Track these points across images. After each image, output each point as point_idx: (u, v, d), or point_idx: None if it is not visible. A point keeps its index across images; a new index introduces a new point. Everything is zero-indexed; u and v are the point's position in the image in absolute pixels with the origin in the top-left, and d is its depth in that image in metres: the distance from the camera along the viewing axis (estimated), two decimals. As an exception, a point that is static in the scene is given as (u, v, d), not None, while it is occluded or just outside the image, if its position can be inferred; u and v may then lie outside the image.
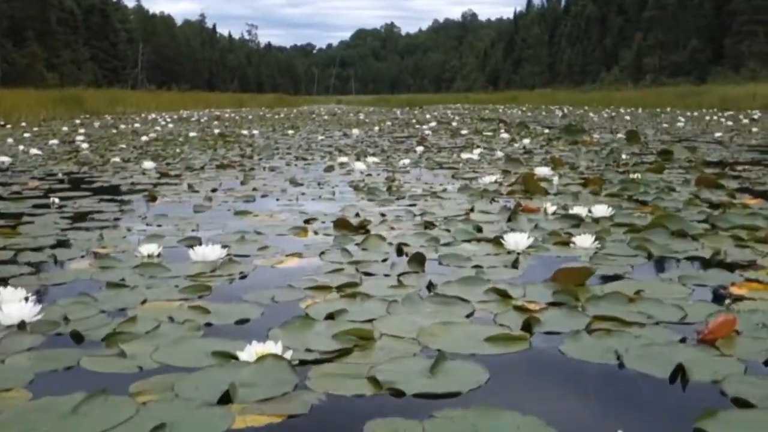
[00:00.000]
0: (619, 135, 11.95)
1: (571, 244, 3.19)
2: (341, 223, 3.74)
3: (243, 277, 2.78)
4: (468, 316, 2.22)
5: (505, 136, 11.75)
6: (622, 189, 5.07)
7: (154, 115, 25.59)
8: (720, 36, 61.91)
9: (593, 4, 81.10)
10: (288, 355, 1.81)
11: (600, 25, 78.18)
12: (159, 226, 3.91)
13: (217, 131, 14.32)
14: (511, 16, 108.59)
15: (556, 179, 5.54)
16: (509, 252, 3.10)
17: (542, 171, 6.10)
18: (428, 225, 3.76)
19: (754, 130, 13.65)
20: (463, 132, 13.31)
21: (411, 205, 4.51)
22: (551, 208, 4.12)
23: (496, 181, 5.59)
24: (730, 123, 16.96)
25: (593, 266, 2.76)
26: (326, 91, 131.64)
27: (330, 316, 2.19)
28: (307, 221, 3.96)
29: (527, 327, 2.07)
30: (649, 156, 8.02)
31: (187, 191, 5.33)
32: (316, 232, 3.65)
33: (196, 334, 2.08)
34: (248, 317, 2.24)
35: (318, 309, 2.29)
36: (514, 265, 2.87)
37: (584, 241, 3.16)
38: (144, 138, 11.95)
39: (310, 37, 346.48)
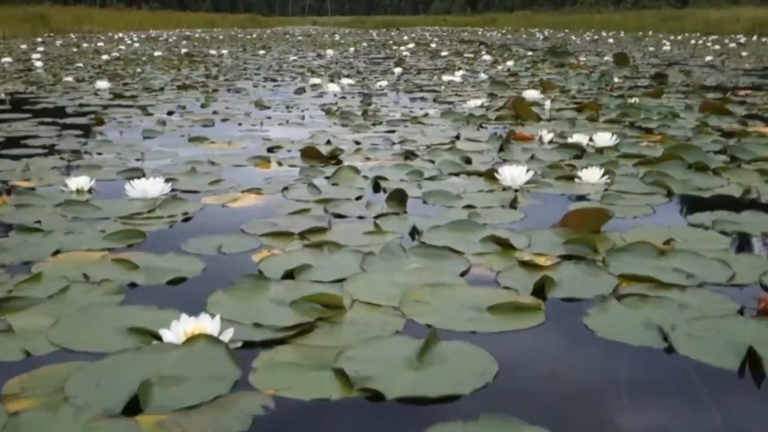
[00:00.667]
0: (606, 58, 11.41)
1: (576, 179, 2.74)
2: (309, 153, 3.25)
3: (186, 219, 2.30)
4: (463, 275, 1.77)
5: (488, 58, 11.19)
6: (621, 115, 4.60)
7: (121, 35, 24.58)
8: (703, -43, 60.78)
9: None
10: (227, 336, 1.35)
11: (582, -56, 76.51)
12: (99, 154, 3.41)
13: (184, 51, 13.60)
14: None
15: (548, 103, 5.06)
16: (505, 188, 2.64)
17: (531, 94, 5.61)
18: (409, 155, 3.28)
19: (744, 54, 13.15)
20: (443, 54, 12.71)
21: (389, 132, 4.02)
22: (548, 136, 3.65)
23: (482, 105, 5.10)
24: (717, 47, 16.43)
25: (608, 207, 2.31)
26: (302, 12, 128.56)
27: (289, 275, 1.73)
28: (270, 150, 3.47)
29: (539, 291, 1.62)
30: (642, 80, 7.53)
31: (140, 114, 4.79)
32: (279, 163, 3.16)
33: (114, 300, 1.61)
34: (185, 275, 1.77)
35: (275, 264, 1.83)
36: (513, 205, 2.40)
37: (592, 175, 2.70)
38: (105, 57, 11.27)
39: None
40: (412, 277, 1.73)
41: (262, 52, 13.45)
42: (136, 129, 4.15)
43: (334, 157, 3.22)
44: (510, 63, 9.88)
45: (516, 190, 2.61)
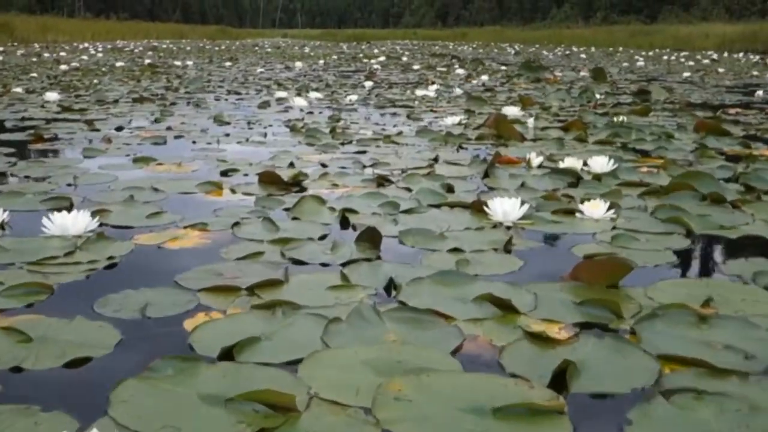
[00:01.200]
0: (583, 73, 11.13)
1: (578, 214, 2.35)
2: (268, 178, 2.85)
3: (111, 265, 1.87)
4: (455, 352, 1.36)
5: (461, 72, 10.85)
6: (611, 135, 4.24)
7: (87, 45, 23.98)
8: (671, -25, 61.34)
9: (545, -61, 79.76)
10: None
11: (551, -40, 76.98)
12: (27, 177, 2.96)
13: (147, 61, 13.12)
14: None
15: (531, 122, 4.69)
16: (496, 225, 2.25)
17: (511, 111, 5.25)
18: (382, 181, 2.88)
19: (721, 70, 12.95)
20: (415, 67, 12.37)
21: (359, 153, 3.62)
22: (536, 160, 3.27)
23: (460, 123, 4.72)
24: (691, 63, 16.26)
25: (618, 251, 1.93)
26: (272, 25, 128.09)
27: (228, 353, 1.32)
28: (224, 173, 3.06)
29: (559, 380, 1.22)
30: (624, 96, 7.22)
31: (86, 129, 4.35)
32: (233, 190, 2.74)
33: (-16, 397, 1.19)
34: (91, 353, 1.35)
35: (212, 334, 1.41)
36: (507, 248, 2.01)
37: (595, 209, 2.32)
38: (63, 67, 10.77)
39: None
40: (390, 354, 1.33)
41: (228, 63, 13.02)
42: (77, 146, 3.71)
43: (296, 183, 2.81)
44: (485, 77, 9.54)
45: (509, 227, 2.22)
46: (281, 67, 12.29)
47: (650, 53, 24.82)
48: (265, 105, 5.82)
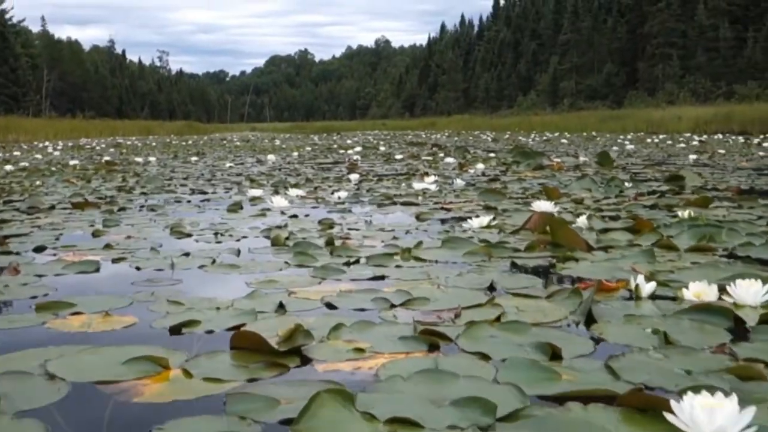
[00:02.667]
0: (583, 158, 10.23)
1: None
2: (247, 341, 1.72)
3: None
4: None
5: (451, 160, 9.88)
6: (697, 236, 3.18)
7: (47, 143, 22.90)
8: (634, 59, 62.27)
9: (507, 29, 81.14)
10: None
11: (514, 50, 78.22)
12: None
13: (106, 158, 12.03)
14: (425, 42, 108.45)
15: (582, 221, 3.62)
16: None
17: (543, 206, 4.20)
18: (432, 339, 1.77)
19: (721, 151, 12.16)
20: (398, 157, 11.41)
21: (376, 279, 2.52)
22: (647, 286, 2.19)
23: (490, 225, 3.65)
24: (682, 145, 15.56)
25: None
26: (240, 119, 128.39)
27: None
28: (175, 331, 1.92)
29: None
30: (652, 182, 6.24)
31: (-7, 252, 3.20)
32: (186, 372, 1.60)
33: None
34: None
35: None
36: None
37: None
38: (8, 167, 9.63)
39: (222, 64, 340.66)
40: None
41: (194, 158, 11.98)
42: (-34, 282, 2.57)
43: (293, 351, 1.69)
44: (480, 165, 8.57)
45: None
46: (252, 161, 11.26)
47: (629, 136, 24.27)
48: (236, 207, 4.71)
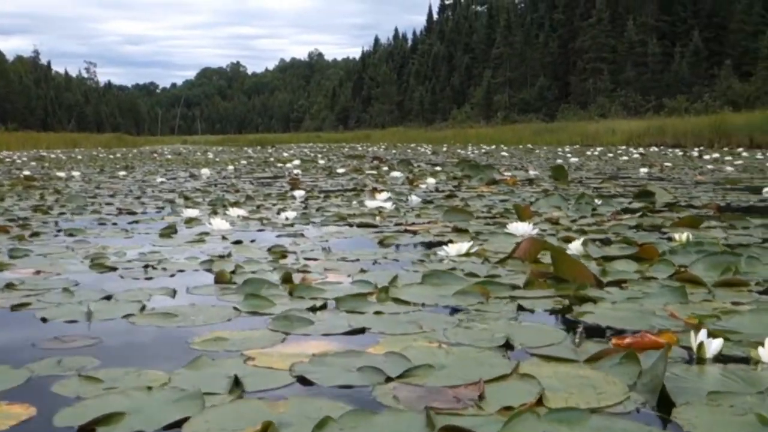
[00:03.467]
0: (533, 172, 9.84)
1: None
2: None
3: None
4: None
5: (397, 174, 9.38)
6: (717, 267, 2.72)
7: (-37, 157, 21.69)
8: (566, 73, 63.07)
9: (440, 43, 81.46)
10: None
11: (447, 63, 78.57)
12: None
13: (26, 173, 11.19)
14: (358, 55, 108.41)
15: (576, 246, 3.12)
16: None
17: (521, 228, 3.72)
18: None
19: (668, 164, 11.95)
20: (340, 171, 10.86)
21: (353, 332, 1.97)
22: (713, 345, 1.70)
23: (470, 252, 3.14)
24: (624, 158, 15.37)
25: None
26: (171, 132, 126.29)
27: None
28: (85, 431, 1.35)
29: None
30: (620, 199, 5.83)
31: None
32: None
33: None
34: None
35: None
36: None
37: None
38: None
39: (153, 75, 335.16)
40: None
41: (122, 173, 11.23)
42: None
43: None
44: (431, 180, 8.08)
45: None
46: (185, 176, 10.58)
47: (567, 149, 24.19)
48: (170, 231, 4.10)
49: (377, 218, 4.55)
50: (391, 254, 3.29)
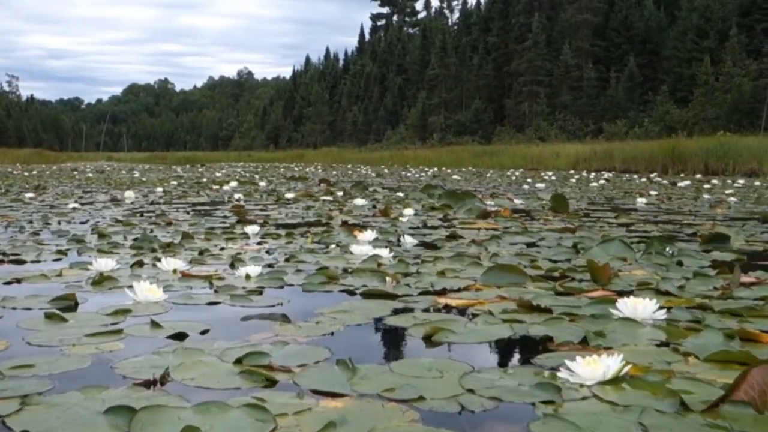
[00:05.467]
0: (518, 201, 8.48)
1: None
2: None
3: None
4: None
5: (361, 202, 7.88)
6: None
7: None
8: (501, 96, 62.78)
9: (372, 64, 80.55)
10: None
11: (380, 84, 77.74)
12: None
13: None
14: (289, 74, 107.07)
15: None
16: None
17: (640, 311, 2.30)
18: None
19: (653, 192, 10.74)
20: (289, 196, 9.31)
21: None
22: None
23: (621, 378, 1.67)
24: (594, 184, 14.20)
25: None
26: (96, 148, 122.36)
27: None
28: None
29: None
30: (680, 243, 4.46)
31: None
32: None
33: None
34: None
35: None
36: None
37: None
38: None
39: (77, 91, 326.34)
40: None
41: (29, 195, 9.46)
42: None
43: None
44: (408, 211, 6.62)
45: None
46: (105, 199, 8.89)
47: (517, 173, 23.08)
48: (66, 304, 2.54)
49: (388, 280, 3.04)
50: (421, 346, 1.82)
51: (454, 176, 19.08)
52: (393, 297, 2.75)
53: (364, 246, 3.99)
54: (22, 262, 3.67)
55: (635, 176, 19.61)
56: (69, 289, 2.86)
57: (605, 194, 10.65)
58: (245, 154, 65.93)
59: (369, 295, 2.79)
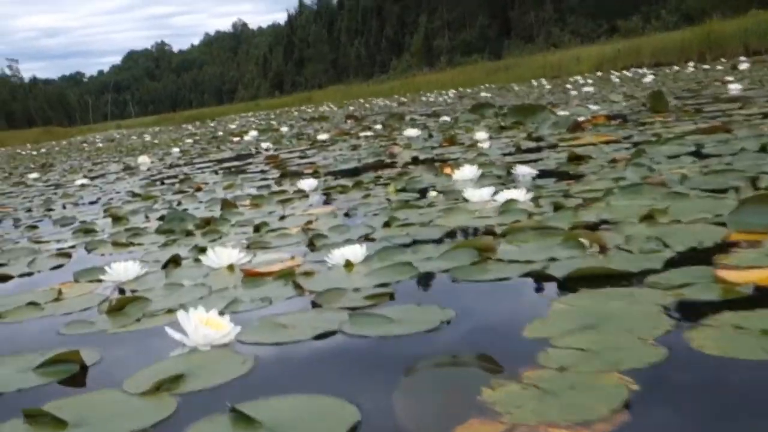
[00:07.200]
0: (594, 106, 7.22)
1: None
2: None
3: None
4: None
5: (414, 133, 6.64)
6: None
7: None
8: (505, 9, 60.61)
9: (367, -5, 78.34)
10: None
11: (377, 15, 75.61)
12: None
13: None
14: (284, 20, 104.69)
15: None
16: None
17: None
18: None
19: (728, 78, 9.43)
20: (322, 138, 8.09)
21: None
22: None
23: None
24: (647, 79, 12.83)
25: None
26: (104, 119, 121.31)
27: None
28: None
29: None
30: None
31: None
32: None
33: None
34: None
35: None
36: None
37: None
38: None
39: (77, 65, 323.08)
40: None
41: (33, 176, 8.31)
42: None
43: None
44: (482, 134, 5.39)
45: None
46: (117, 169, 7.74)
47: (544, 81, 21.65)
48: (67, 384, 1.40)
49: (585, 243, 1.84)
50: None
51: (482, 93, 17.72)
52: (627, 278, 1.57)
53: (479, 189, 2.80)
54: (5, 278, 2.52)
55: (674, 68, 18.16)
56: (70, 333, 1.72)
57: (673, 88, 9.35)
58: (252, 104, 64.62)
59: (581, 280, 1.61)
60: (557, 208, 2.38)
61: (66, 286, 2.21)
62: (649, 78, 13.03)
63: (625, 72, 20.00)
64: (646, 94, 7.25)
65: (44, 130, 55.51)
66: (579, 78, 20.13)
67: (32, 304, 2.02)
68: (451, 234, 2.27)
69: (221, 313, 1.56)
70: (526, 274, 1.73)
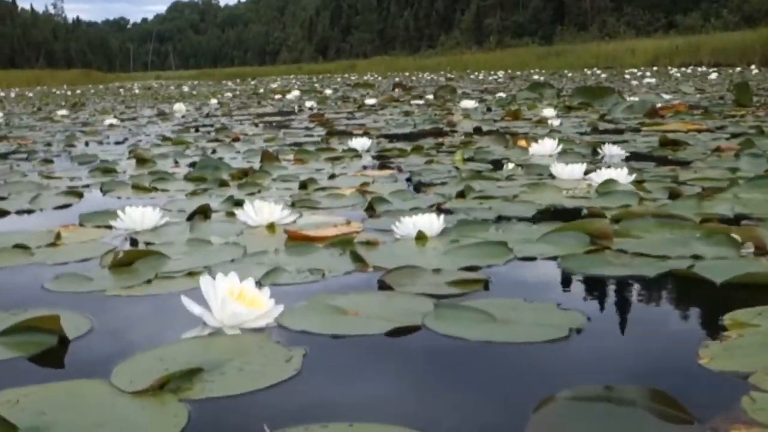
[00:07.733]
0: (666, 95, 6.71)
1: None
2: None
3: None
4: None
5: (471, 104, 6.17)
6: None
7: None
8: (561, -7, 59.53)
9: (421, -34, 77.33)
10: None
11: (429, -14, 74.73)
12: None
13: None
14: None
15: None
16: None
17: None
18: None
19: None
20: (370, 102, 7.63)
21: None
22: None
23: None
24: (712, 76, 12.22)
25: None
26: (144, 68, 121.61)
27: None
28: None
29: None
30: None
31: None
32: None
33: None
34: None
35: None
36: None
37: None
38: None
39: (122, 11, 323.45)
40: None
41: (62, 112, 7.94)
42: None
43: None
44: (549, 111, 4.91)
45: None
46: (151, 114, 7.35)
47: (598, 71, 21.01)
48: (42, 360, 1.00)
49: (738, 240, 1.40)
50: None
51: (534, 77, 17.13)
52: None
53: (568, 165, 2.35)
54: (0, 213, 2.12)
55: (737, 69, 17.45)
56: (58, 290, 1.31)
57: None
58: (295, 67, 64.14)
59: (745, 287, 1.16)
60: (674, 195, 1.93)
61: (68, 229, 1.79)
62: (713, 75, 12.40)
63: (683, 69, 19.30)
64: (716, 88, 6.73)
65: (83, 72, 55.47)
66: (634, 70, 19.46)
67: (20, 246, 1.60)
68: (544, 213, 1.83)
69: (258, 284, 1.13)
70: (666, 274, 1.28)
